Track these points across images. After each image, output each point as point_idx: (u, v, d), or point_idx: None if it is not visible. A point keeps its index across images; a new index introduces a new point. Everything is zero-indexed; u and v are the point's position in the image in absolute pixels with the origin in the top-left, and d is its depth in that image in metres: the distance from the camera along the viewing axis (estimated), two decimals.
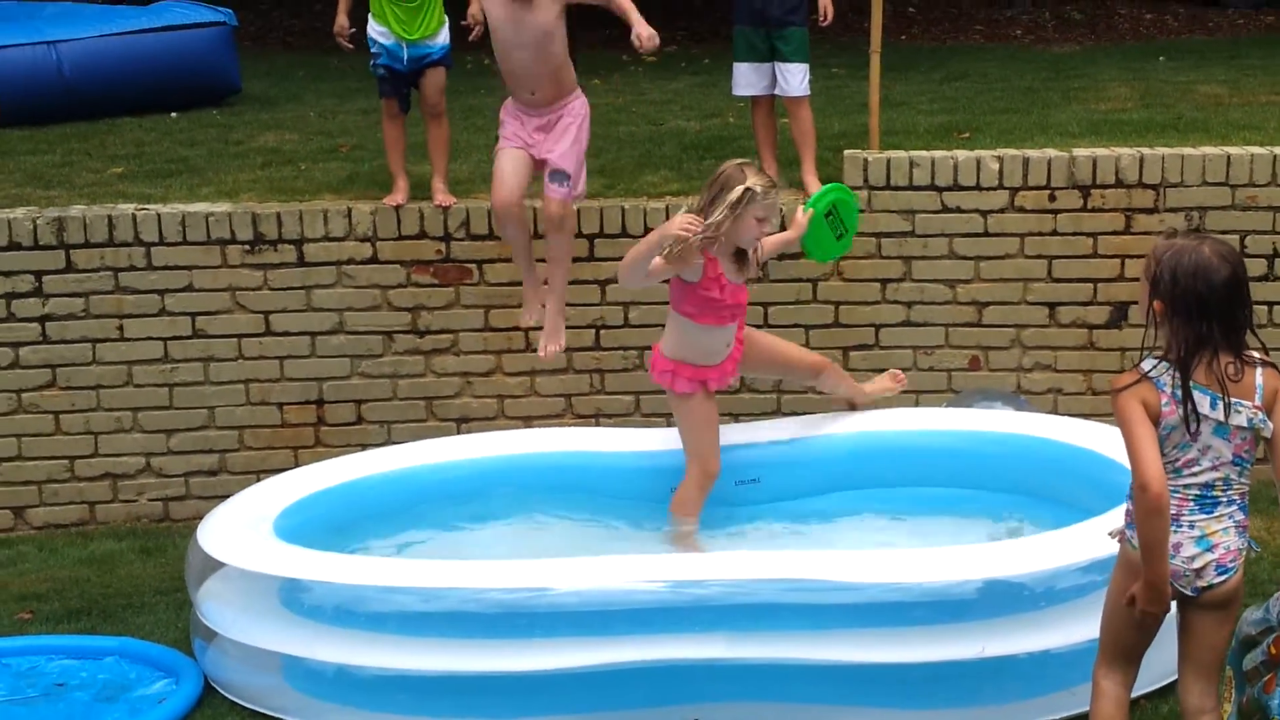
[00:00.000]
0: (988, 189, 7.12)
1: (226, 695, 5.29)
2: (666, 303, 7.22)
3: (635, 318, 7.28)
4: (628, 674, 4.87)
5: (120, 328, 7.21)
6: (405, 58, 7.23)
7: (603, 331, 7.30)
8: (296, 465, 6.98)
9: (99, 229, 7.14)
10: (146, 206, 7.29)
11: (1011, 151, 7.24)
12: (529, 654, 4.89)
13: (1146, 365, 3.94)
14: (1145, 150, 7.18)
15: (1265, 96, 9.10)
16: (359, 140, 8.96)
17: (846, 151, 7.35)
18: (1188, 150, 7.16)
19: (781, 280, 7.21)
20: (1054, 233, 7.15)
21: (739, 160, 5.69)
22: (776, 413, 7.22)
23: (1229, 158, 7.06)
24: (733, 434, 6.45)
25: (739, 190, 5.45)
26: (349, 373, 7.31)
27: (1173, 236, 4.04)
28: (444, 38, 7.33)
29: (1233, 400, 3.90)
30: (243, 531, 5.48)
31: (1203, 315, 3.88)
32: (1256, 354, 3.96)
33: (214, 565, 5.34)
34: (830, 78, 10.22)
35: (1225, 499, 3.99)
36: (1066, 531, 5.12)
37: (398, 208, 7.22)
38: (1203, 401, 3.89)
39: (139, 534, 7.17)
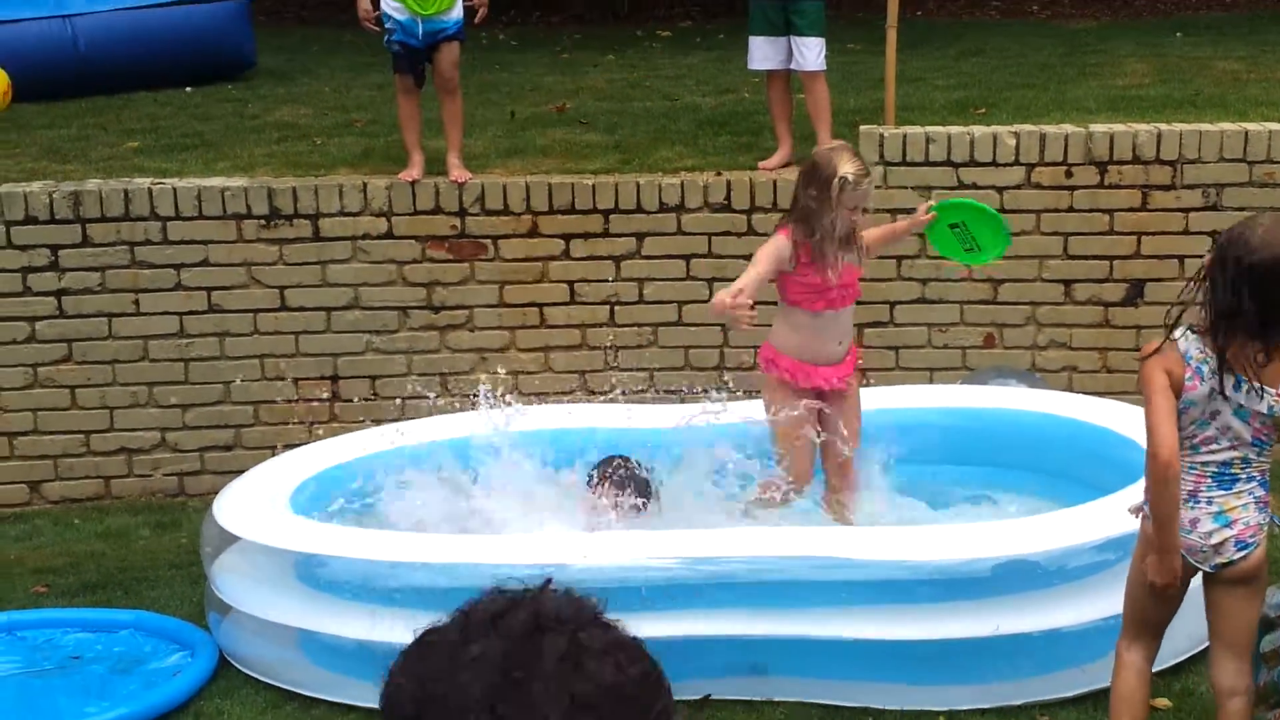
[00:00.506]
0: (1004, 165, 7.10)
1: (241, 669, 5.32)
2: (679, 279, 7.25)
3: (650, 294, 7.27)
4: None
5: (136, 302, 7.23)
6: (420, 33, 7.21)
7: (617, 308, 7.30)
8: (311, 440, 6.99)
9: (115, 203, 7.16)
10: (162, 181, 7.30)
11: (1028, 127, 7.22)
12: None
13: (1177, 333, 3.93)
14: (1162, 126, 7.15)
15: None
16: (374, 115, 8.95)
17: (862, 127, 7.33)
18: (1205, 126, 7.13)
19: None
20: (1070, 209, 7.13)
21: (832, 144, 5.53)
22: None
23: (1247, 134, 7.03)
24: (731, 414, 6.45)
25: (835, 182, 5.27)
26: (364, 348, 7.33)
27: (1248, 223, 3.97)
28: (458, 12, 7.31)
29: (1257, 385, 3.89)
30: (258, 506, 5.50)
31: (1238, 287, 3.82)
32: None
33: (229, 539, 5.36)
34: (846, 53, 10.17)
35: (1245, 476, 3.99)
36: (1079, 509, 5.12)
37: (413, 183, 7.21)
38: (1228, 382, 3.88)
39: (154, 508, 7.21)
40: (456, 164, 7.32)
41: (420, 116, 7.45)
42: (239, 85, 10.20)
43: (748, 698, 4.95)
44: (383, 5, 7.25)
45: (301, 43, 12.42)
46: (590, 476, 5.78)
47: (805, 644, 4.88)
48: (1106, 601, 4.87)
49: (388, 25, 7.24)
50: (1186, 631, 5.07)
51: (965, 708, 4.84)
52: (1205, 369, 3.90)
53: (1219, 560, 4.02)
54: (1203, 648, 5.10)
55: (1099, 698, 4.86)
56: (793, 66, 7.46)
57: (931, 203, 5.71)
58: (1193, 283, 3.96)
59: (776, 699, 4.94)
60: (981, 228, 5.70)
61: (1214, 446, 3.97)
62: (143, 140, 8.41)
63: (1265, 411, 3.92)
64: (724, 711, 4.89)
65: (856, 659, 4.89)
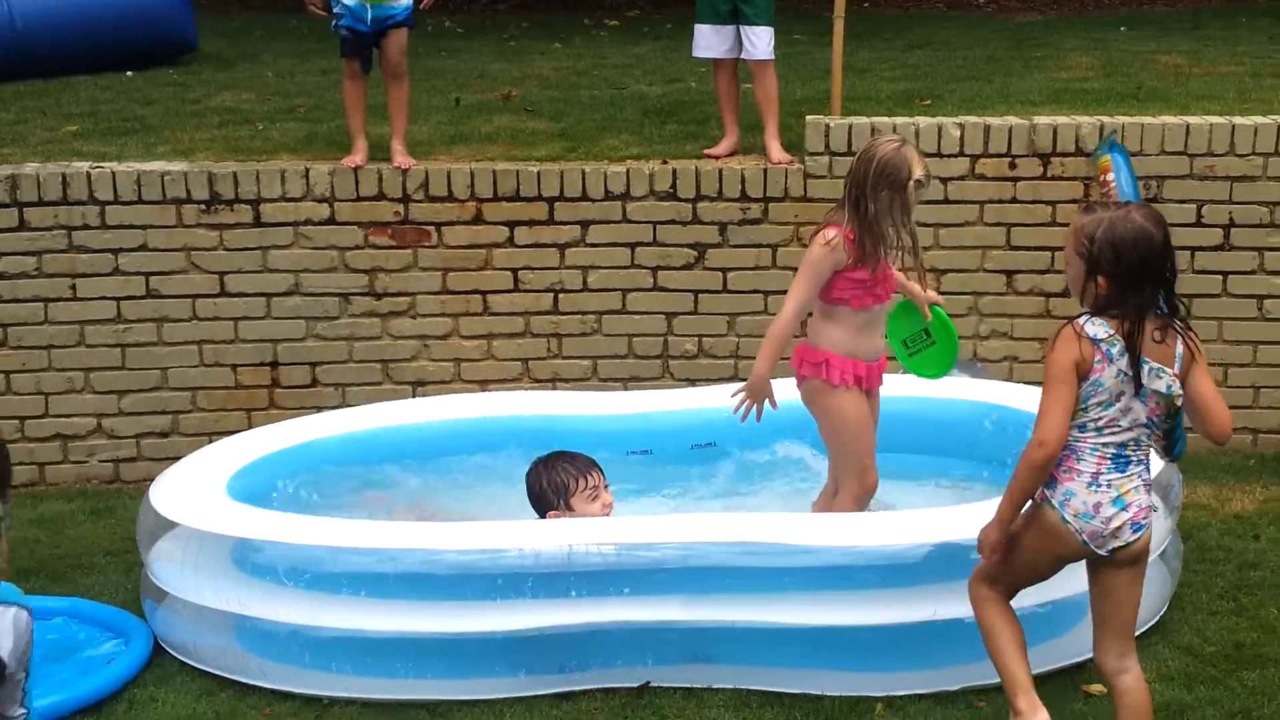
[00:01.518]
0: (949, 156, 7.12)
1: (177, 656, 5.26)
2: (623, 267, 7.24)
3: (594, 282, 7.25)
4: (581, 636, 4.87)
5: (73, 287, 7.14)
6: (369, 18, 7.15)
7: (561, 296, 7.27)
8: (250, 428, 6.93)
9: (53, 187, 7.06)
10: (101, 165, 7.21)
11: (973, 119, 7.24)
12: (483, 616, 4.88)
13: (1081, 319, 4.00)
14: (1105, 119, 7.19)
15: (1225, 67, 9.14)
16: (317, 100, 8.89)
17: (809, 117, 7.33)
18: (1147, 119, 7.18)
19: (741, 246, 7.20)
20: (1014, 200, 7.16)
21: (891, 140, 5.22)
22: (734, 378, 7.21)
23: (1188, 127, 7.08)
24: (689, 398, 6.46)
25: (910, 185, 5.13)
26: (304, 334, 7.27)
27: (1091, 210, 4.10)
28: None
29: (1155, 366, 3.99)
30: (195, 492, 5.44)
31: (1145, 281, 3.96)
32: (1178, 321, 4.05)
33: (166, 525, 5.30)
34: (793, 44, 10.18)
35: (1136, 458, 4.09)
36: None
37: (356, 169, 7.16)
38: (1135, 362, 3.97)
39: (89, 495, 7.12)
40: (401, 150, 7.27)
41: (365, 102, 7.39)
42: (180, 69, 10.10)
43: (687, 685, 4.94)
44: None
45: (244, 27, 12.32)
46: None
47: (744, 631, 4.88)
48: (1044, 588, 4.90)
49: (336, 10, 7.17)
50: None
51: (903, 693, 4.85)
52: (1114, 350, 3.96)
53: (1116, 544, 4.09)
54: (1137, 633, 5.14)
55: (1036, 682, 4.87)
56: (742, 55, 7.45)
57: (938, 301, 5.55)
58: (1087, 302, 4.03)
59: (716, 685, 4.93)
60: (939, 350, 5.56)
61: (1115, 429, 4.04)
62: (81, 124, 8.31)
63: (1164, 391, 4.00)
64: (664, 698, 4.88)
65: (795, 645, 4.89)
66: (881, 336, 5.41)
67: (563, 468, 5.55)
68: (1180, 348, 4.02)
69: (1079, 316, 4.03)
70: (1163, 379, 4.00)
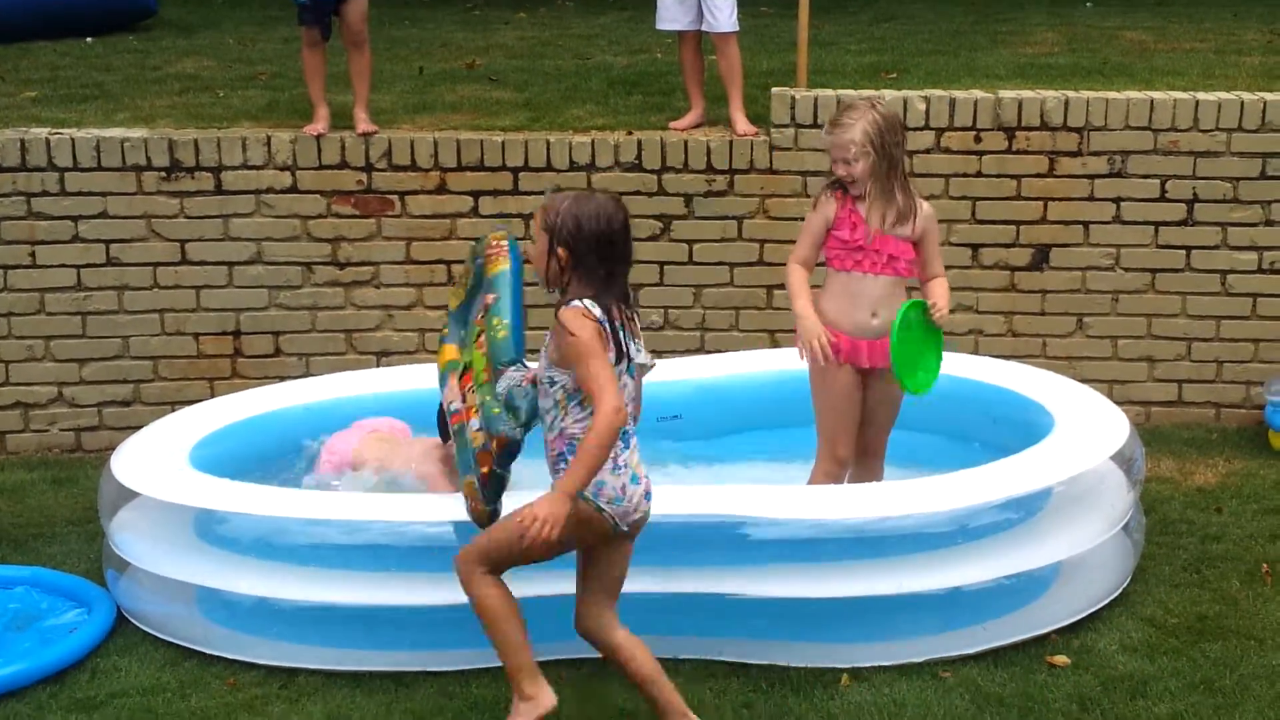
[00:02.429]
0: (914, 129, 7.10)
1: (139, 625, 5.23)
2: None
3: None
4: (550, 606, 4.85)
5: (32, 254, 7.06)
6: None
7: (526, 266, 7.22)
8: (213, 397, 6.88)
9: (11, 153, 6.97)
10: (60, 131, 7.13)
11: (938, 92, 7.24)
12: (448, 587, 4.85)
13: (586, 303, 4.12)
14: (1070, 94, 7.20)
15: (1189, 44, 9.17)
16: (279, 69, 8.80)
17: (774, 89, 7.31)
18: (1112, 94, 7.19)
19: (707, 218, 7.19)
20: (979, 174, 7.17)
21: (868, 98, 5.46)
22: (700, 350, 7.21)
23: (1152, 102, 7.10)
24: (656, 371, 6.42)
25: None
26: (267, 304, 7.21)
27: (559, 190, 4.32)
28: None
29: (638, 341, 4.25)
30: (157, 461, 5.40)
31: (610, 258, 4.16)
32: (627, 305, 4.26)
33: (128, 495, 5.26)
34: (758, 16, 10.16)
35: (633, 430, 4.26)
36: (982, 470, 5.16)
37: (318, 137, 7.10)
38: (628, 341, 4.18)
39: (50, 464, 7.05)
40: (364, 118, 7.21)
41: (325, 70, 7.32)
42: (140, 36, 9.99)
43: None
44: None
45: None
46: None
47: (711, 602, 4.88)
48: (1007, 560, 4.94)
49: None
50: (1086, 593, 5.17)
51: (868, 665, 4.87)
52: (609, 329, 4.13)
53: (635, 517, 4.25)
54: (1100, 605, 5.20)
55: (999, 654, 4.93)
56: (704, 28, 7.42)
57: (945, 315, 5.30)
58: (556, 277, 4.18)
59: (682, 656, 4.93)
60: (925, 363, 5.29)
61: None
62: (41, 90, 8.21)
63: (645, 364, 4.29)
64: None
65: (760, 617, 4.89)
66: (875, 315, 5.24)
67: None
68: (638, 322, 4.28)
69: (573, 301, 4.13)
70: (642, 351, 4.25)
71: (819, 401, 5.39)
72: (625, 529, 4.24)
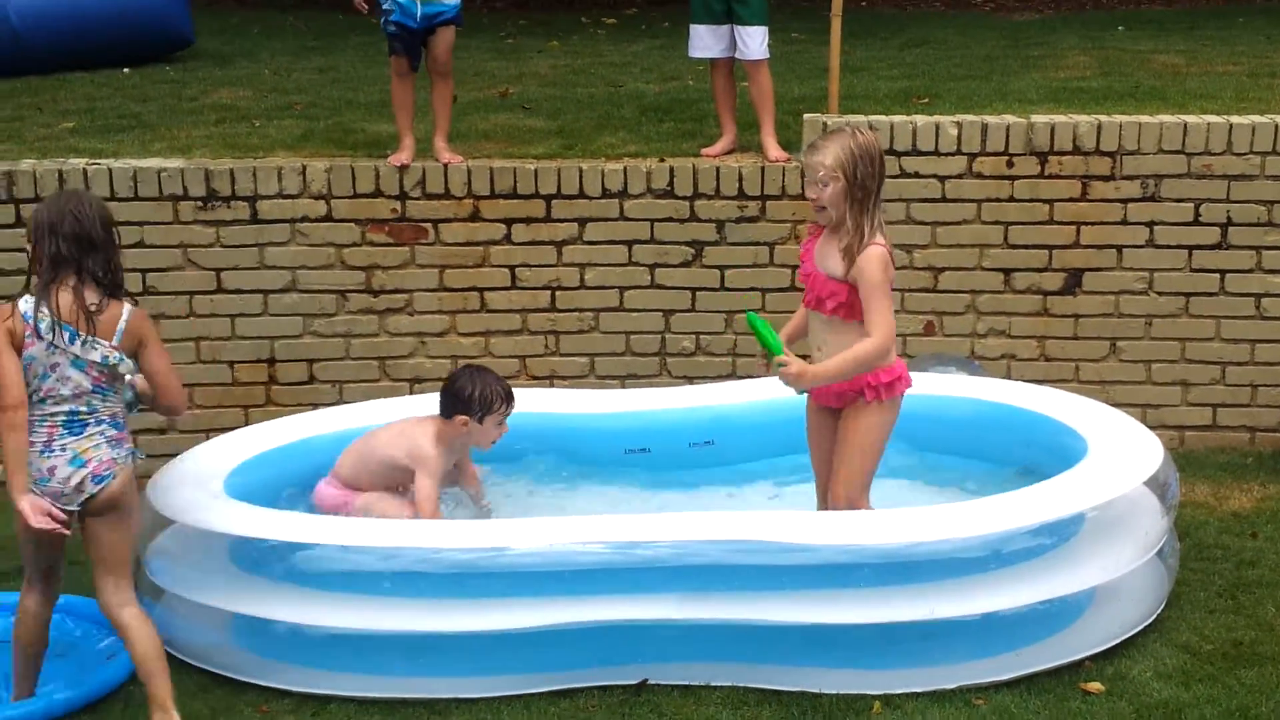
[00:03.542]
0: (946, 154, 7.11)
1: (174, 653, 5.25)
2: (621, 265, 7.25)
3: (591, 279, 7.25)
4: (579, 634, 4.86)
5: None
6: (419, 14, 7.14)
7: (558, 293, 7.26)
8: (247, 424, 6.92)
9: (49, 184, 7.04)
10: (98, 161, 7.20)
11: (970, 117, 7.24)
12: (482, 614, 4.87)
13: (22, 300, 4.47)
14: (1103, 118, 7.19)
15: (1222, 67, 9.14)
16: (313, 98, 8.88)
17: (806, 115, 7.32)
18: (1145, 118, 7.17)
19: (739, 243, 7.20)
20: (1011, 199, 7.16)
21: (842, 127, 5.22)
22: (731, 376, 7.21)
23: (1185, 126, 7.07)
24: (688, 397, 6.45)
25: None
26: (301, 331, 7.26)
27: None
28: None
29: (90, 338, 4.45)
30: (192, 489, 5.43)
31: (62, 250, 4.46)
32: (128, 296, 4.61)
33: (163, 523, 5.30)
34: (790, 43, 10.20)
35: (94, 420, 4.53)
36: (1015, 494, 5.14)
37: (402, 167, 7.10)
38: (63, 336, 4.42)
39: None
40: (444, 147, 7.25)
41: (414, 100, 7.36)
42: (176, 67, 10.09)
43: (685, 682, 4.93)
44: None
45: (241, 25, 12.32)
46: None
47: (742, 629, 4.87)
48: (1041, 585, 4.92)
49: (385, 6, 7.17)
50: (1120, 619, 5.14)
51: (900, 691, 4.85)
52: (43, 326, 4.42)
53: (83, 497, 4.51)
54: (1134, 632, 5.16)
55: (1034, 681, 4.90)
56: (736, 55, 7.45)
57: (791, 378, 5.04)
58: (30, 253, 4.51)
59: (714, 683, 4.93)
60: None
61: (58, 396, 4.48)
62: (78, 121, 8.30)
63: (100, 361, 4.47)
64: (661, 695, 4.87)
65: (794, 643, 4.88)
66: (818, 349, 5.12)
67: (495, 386, 5.73)
68: (125, 321, 4.52)
69: (19, 296, 4.50)
70: (99, 349, 4.48)
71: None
72: (72, 507, 4.51)
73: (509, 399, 5.73)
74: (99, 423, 4.53)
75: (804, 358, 5.10)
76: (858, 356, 4.97)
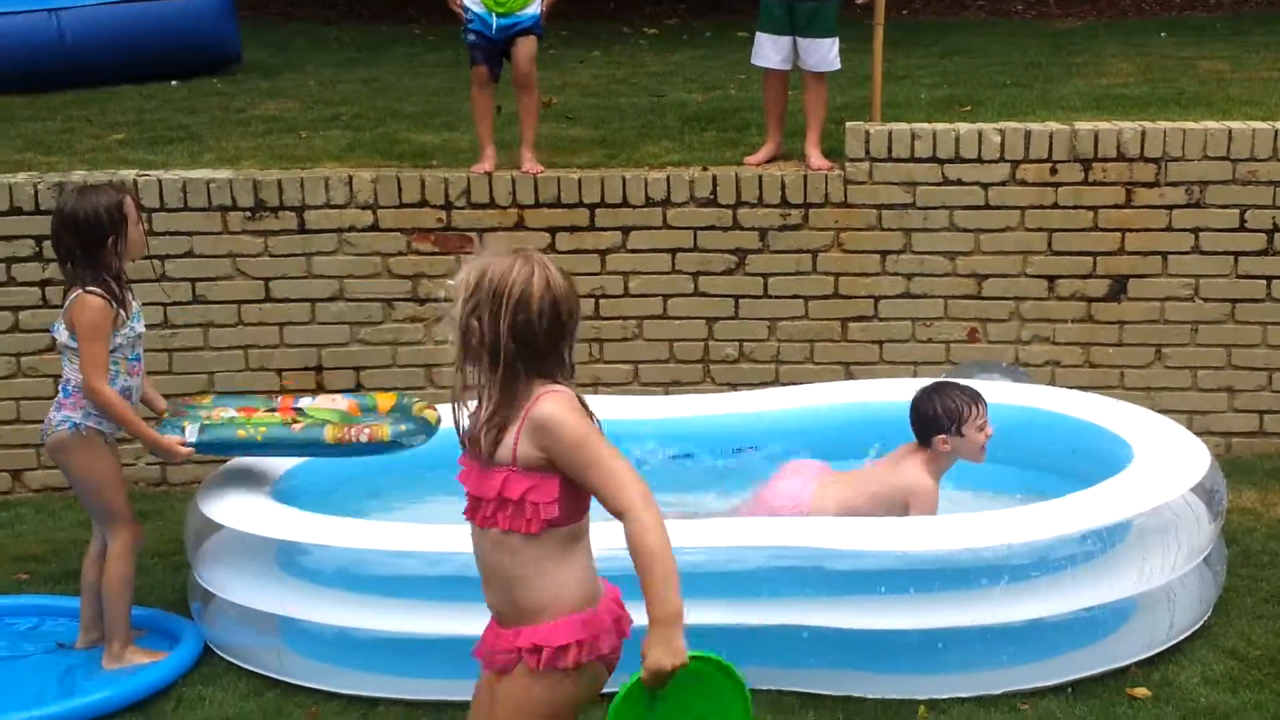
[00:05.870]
0: (989, 162, 7.12)
1: (224, 656, 5.32)
2: (664, 273, 7.28)
3: (635, 287, 7.28)
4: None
5: None
6: (494, 26, 7.21)
7: (602, 301, 7.30)
8: None
9: None
10: (147, 173, 7.29)
11: (1013, 124, 7.24)
12: None
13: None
14: (1147, 124, 7.18)
15: (1266, 72, 9.11)
16: (360, 109, 8.97)
17: (848, 123, 7.34)
18: (1189, 125, 7.16)
19: (782, 251, 7.22)
20: (1055, 206, 7.15)
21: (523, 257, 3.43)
22: (775, 383, 7.23)
23: (1230, 132, 7.05)
24: (732, 403, 6.48)
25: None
26: (348, 339, 7.32)
27: None
28: (534, 7, 7.28)
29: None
30: (242, 494, 5.49)
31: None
32: (99, 285, 5.10)
33: (213, 528, 5.35)
34: None
35: (61, 386, 5.20)
36: (1062, 501, 5.14)
37: (488, 174, 7.18)
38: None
39: (136, 497, 7.08)
40: (530, 157, 7.32)
41: (494, 110, 7.42)
42: (224, 79, 10.20)
43: None
44: None
45: (287, 37, 12.43)
46: None
47: (787, 632, 4.89)
48: (1087, 592, 4.91)
49: (466, 16, 7.24)
50: (1166, 625, 5.12)
51: (945, 696, 4.85)
52: None
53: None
54: (1181, 638, 5.15)
55: (1080, 686, 4.90)
56: (801, 65, 7.49)
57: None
58: None
59: (756, 687, 4.93)
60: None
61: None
62: (128, 132, 8.40)
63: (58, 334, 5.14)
64: None
65: (837, 648, 4.89)
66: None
67: (955, 394, 5.60)
68: None
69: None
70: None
71: None
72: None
73: (976, 400, 5.61)
74: (62, 388, 5.23)
75: None
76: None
